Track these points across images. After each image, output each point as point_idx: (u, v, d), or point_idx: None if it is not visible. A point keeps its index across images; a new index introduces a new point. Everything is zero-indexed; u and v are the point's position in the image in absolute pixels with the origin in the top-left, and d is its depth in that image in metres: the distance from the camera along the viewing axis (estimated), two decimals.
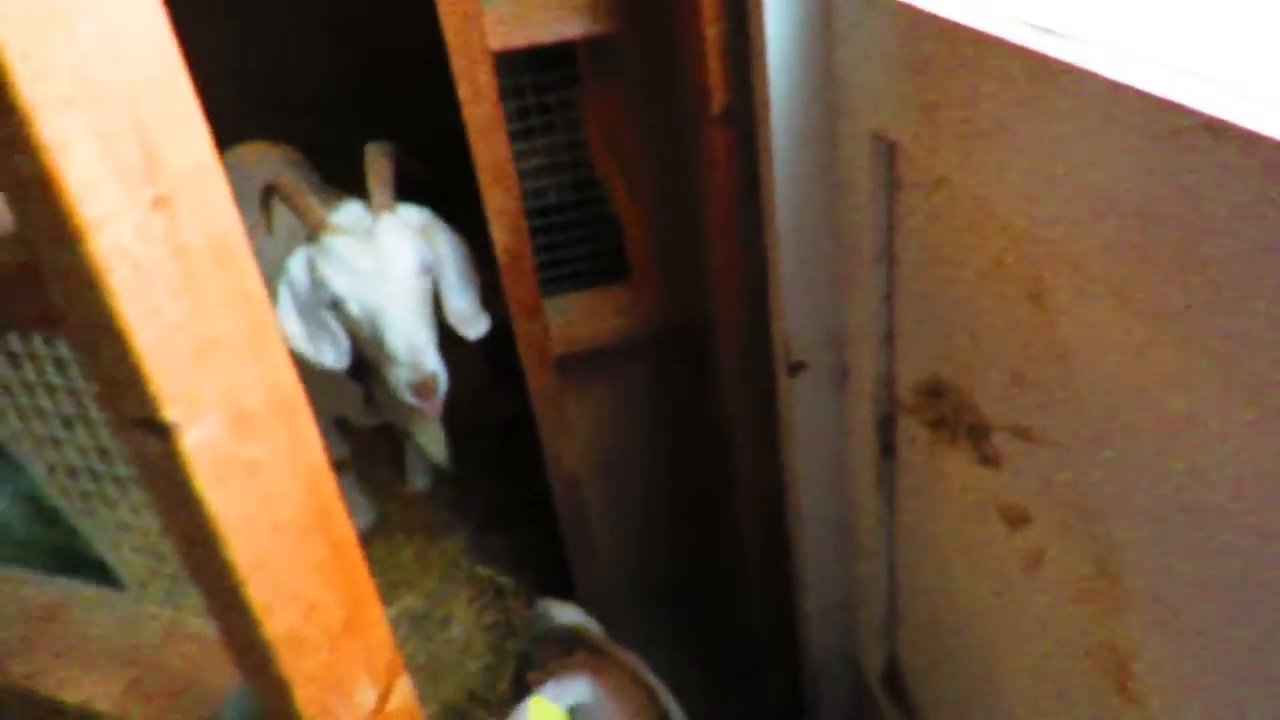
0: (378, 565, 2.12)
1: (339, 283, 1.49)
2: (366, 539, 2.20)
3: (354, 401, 1.88)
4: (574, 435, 1.63)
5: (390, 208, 1.54)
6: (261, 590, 0.52)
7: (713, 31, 1.10)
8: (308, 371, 1.85)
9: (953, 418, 0.94)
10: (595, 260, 1.69)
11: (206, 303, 0.48)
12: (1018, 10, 0.71)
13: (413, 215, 1.58)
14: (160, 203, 0.45)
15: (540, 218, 1.62)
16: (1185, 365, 0.57)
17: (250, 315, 0.51)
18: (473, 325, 1.62)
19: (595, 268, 1.69)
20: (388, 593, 2.04)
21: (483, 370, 2.64)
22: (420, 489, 2.33)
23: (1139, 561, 0.68)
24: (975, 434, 0.90)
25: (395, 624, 1.98)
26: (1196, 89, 0.52)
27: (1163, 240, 0.56)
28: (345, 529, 0.60)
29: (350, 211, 1.55)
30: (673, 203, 1.48)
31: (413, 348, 1.48)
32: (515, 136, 1.53)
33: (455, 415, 2.52)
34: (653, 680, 1.24)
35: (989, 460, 0.88)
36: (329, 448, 1.91)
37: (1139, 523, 0.67)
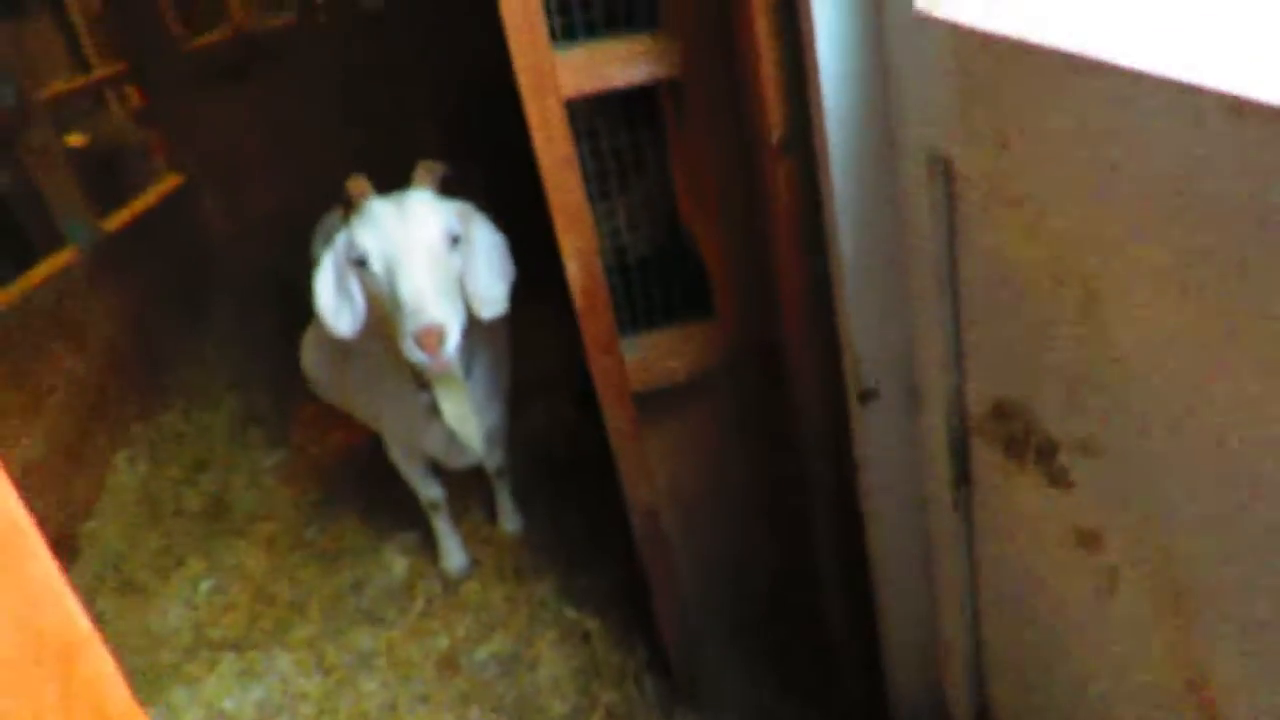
0: (470, 607, 2.16)
1: (366, 239, 1.59)
2: (460, 581, 2.24)
3: (441, 442, 1.94)
4: (653, 471, 1.64)
5: (426, 186, 1.65)
6: None
7: (770, 67, 1.12)
8: (400, 415, 1.95)
9: (1022, 438, 0.91)
10: (678, 298, 1.71)
11: None
12: (1058, 20, 0.70)
13: (452, 202, 1.68)
14: None
15: (620, 258, 1.66)
16: (1252, 360, 0.55)
17: None
18: (490, 306, 1.68)
19: (677, 305, 1.71)
20: (479, 634, 2.08)
21: (570, 410, 2.69)
22: (511, 531, 2.37)
23: (1210, 575, 0.64)
24: (1044, 454, 0.86)
25: (484, 665, 2.00)
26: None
27: (1227, 231, 0.54)
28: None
29: (396, 192, 1.67)
30: (748, 236, 1.49)
31: (419, 294, 1.53)
32: (596, 177, 1.59)
33: (546, 455, 2.59)
34: None
35: (1058, 480, 0.85)
36: (423, 490, 1.97)
37: (1208, 534, 0.63)
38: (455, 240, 1.65)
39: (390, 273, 1.58)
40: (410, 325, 1.53)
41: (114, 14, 3.84)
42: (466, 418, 1.82)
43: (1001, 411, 0.94)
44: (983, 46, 0.77)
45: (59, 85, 3.43)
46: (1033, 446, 0.88)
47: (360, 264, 1.61)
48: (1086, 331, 0.73)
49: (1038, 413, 0.86)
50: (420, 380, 1.86)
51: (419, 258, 1.58)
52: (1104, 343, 0.71)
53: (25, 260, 3.00)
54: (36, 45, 3.50)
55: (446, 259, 1.63)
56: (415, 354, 1.54)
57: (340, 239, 1.65)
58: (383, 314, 1.66)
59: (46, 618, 0.44)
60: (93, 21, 3.94)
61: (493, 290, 1.70)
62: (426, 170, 1.69)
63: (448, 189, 1.73)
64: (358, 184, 1.66)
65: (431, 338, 1.53)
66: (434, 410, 1.86)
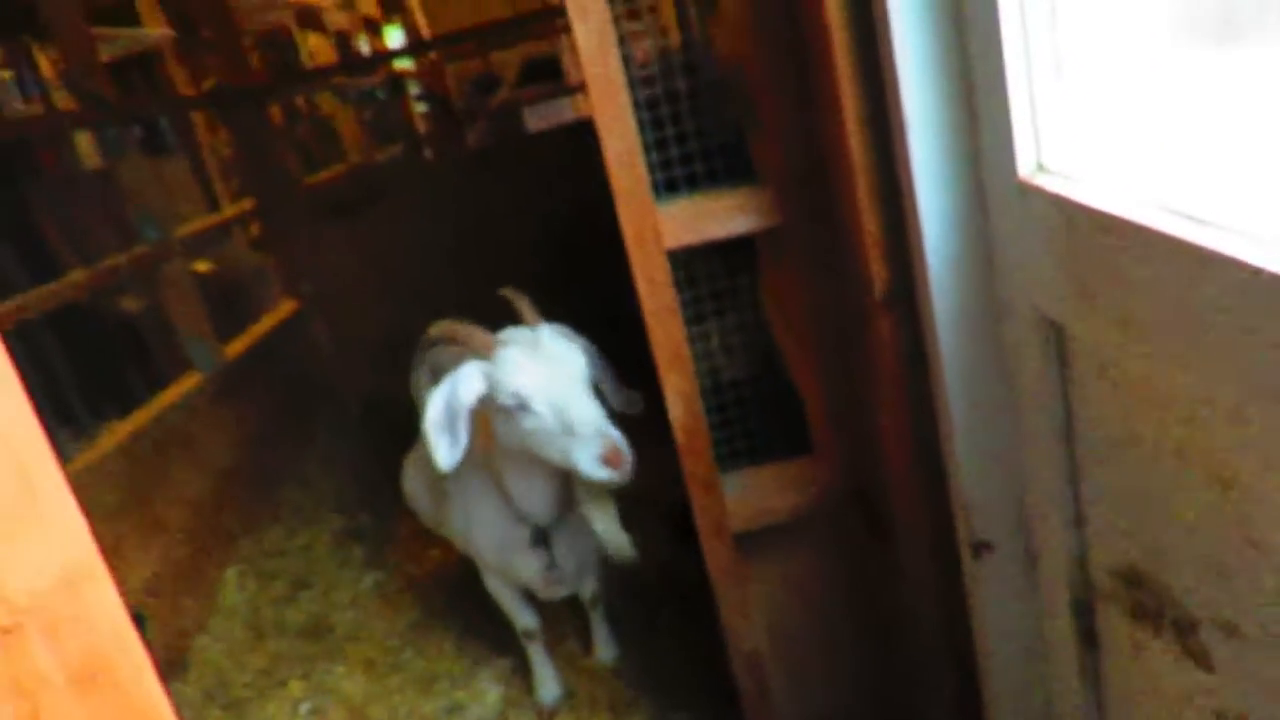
0: None
1: (523, 384, 1.65)
2: (553, 712, 2.22)
3: (537, 571, 1.96)
4: (754, 611, 1.62)
5: (537, 317, 1.78)
6: None
7: (871, 223, 1.15)
8: (499, 546, 1.98)
9: (1154, 609, 0.88)
10: (775, 434, 1.72)
11: None
12: (1166, 197, 0.71)
13: (559, 326, 1.79)
14: None
15: (717, 395, 1.68)
16: None
17: None
18: (633, 404, 1.83)
19: (774, 443, 1.71)
20: None
21: (666, 538, 2.68)
22: (607, 661, 2.34)
23: None
24: (1180, 628, 0.83)
25: None
26: None
27: None
28: None
29: (510, 332, 1.76)
30: (847, 381, 1.51)
31: (595, 420, 1.61)
32: (693, 318, 1.64)
33: (641, 584, 2.57)
34: None
35: (1199, 658, 0.81)
36: (519, 618, 2.00)
37: None
38: (590, 363, 1.76)
39: (560, 409, 1.64)
40: (595, 449, 1.60)
41: (242, 157, 4.19)
42: (618, 531, 1.90)
43: (1129, 579, 0.91)
44: (1093, 222, 0.79)
45: (194, 223, 3.74)
46: (1168, 619, 0.85)
47: (521, 408, 1.67)
48: (1218, 512, 0.71)
49: (1171, 585, 0.83)
50: (521, 513, 1.90)
51: (580, 389, 1.67)
52: (1239, 524, 0.69)
53: (153, 384, 3.22)
54: (175, 186, 3.83)
55: (591, 382, 1.73)
56: (600, 473, 1.61)
57: (463, 377, 1.70)
58: (552, 447, 1.70)
59: None
60: (224, 165, 4.31)
61: (623, 393, 1.83)
62: (523, 302, 1.80)
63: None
64: (481, 338, 1.72)
65: (617, 455, 1.60)
66: (535, 542, 1.90)
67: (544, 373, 1.66)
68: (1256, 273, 0.58)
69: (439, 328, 1.82)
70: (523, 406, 1.65)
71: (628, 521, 2.76)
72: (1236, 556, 0.71)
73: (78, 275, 2.94)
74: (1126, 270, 0.74)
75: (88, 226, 3.16)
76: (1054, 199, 0.85)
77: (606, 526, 1.88)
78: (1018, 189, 0.92)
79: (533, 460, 1.74)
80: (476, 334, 1.73)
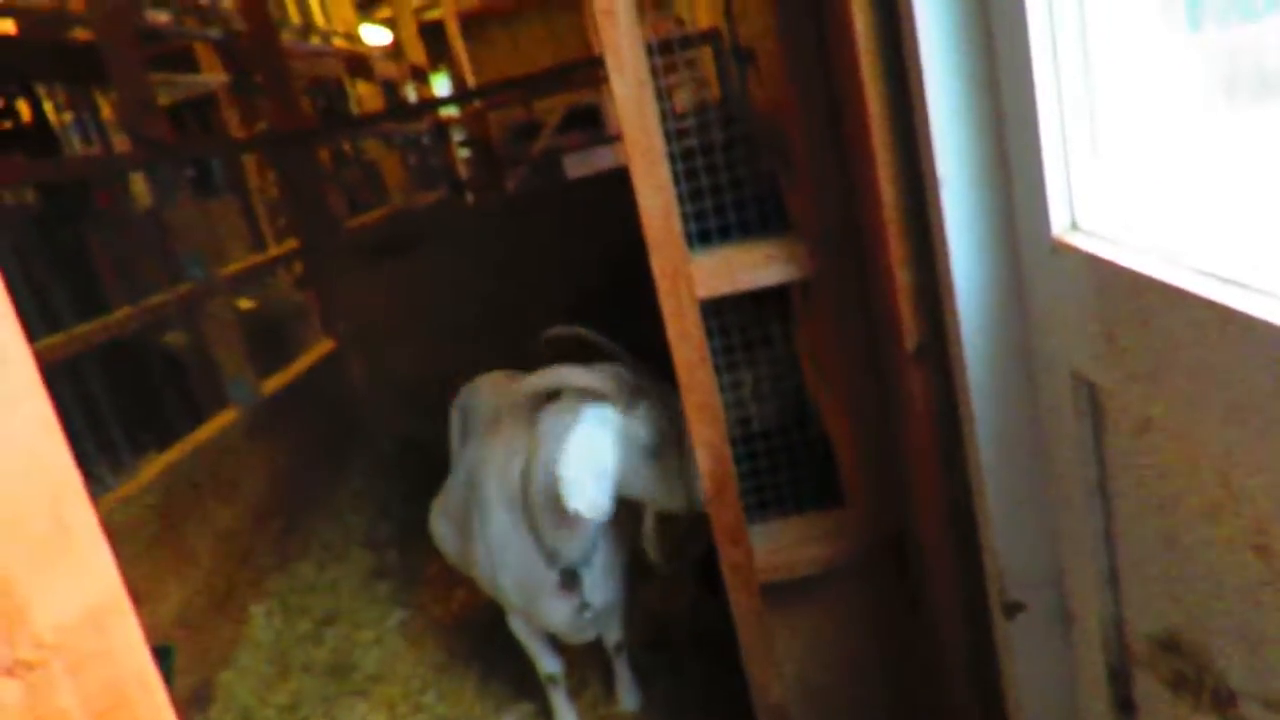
0: None
1: (642, 431, 1.69)
2: None
3: (566, 614, 1.95)
4: (781, 665, 1.59)
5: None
6: None
7: (904, 276, 1.15)
8: (525, 589, 1.97)
9: (1195, 678, 0.85)
10: (804, 486, 1.71)
11: None
12: (1202, 261, 0.71)
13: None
14: (19, 669, 0.38)
15: (747, 444, 1.68)
16: None
17: None
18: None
19: (803, 494, 1.70)
20: None
21: (692, 587, 2.65)
22: (630, 709, 2.31)
23: None
24: (1220, 699, 0.80)
25: None
26: None
27: None
28: None
29: (607, 369, 1.76)
30: (879, 432, 1.49)
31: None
32: (725, 366, 1.64)
33: (667, 632, 2.54)
34: None
35: None
36: (542, 663, 2.00)
37: None
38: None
39: (679, 444, 1.67)
40: (698, 498, 1.60)
41: (289, 199, 4.31)
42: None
43: (1167, 645, 0.88)
44: (1127, 283, 0.78)
45: (240, 263, 3.84)
46: (1208, 689, 0.82)
47: (651, 453, 1.71)
48: (1255, 582, 0.69)
49: (1210, 654, 0.80)
50: (551, 552, 1.90)
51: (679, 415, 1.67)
52: (1278, 593, 0.67)
53: (192, 419, 3.28)
54: (224, 226, 3.94)
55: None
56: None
57: (634, 423, 1.71)
58: (641, 493, 1.76)
59: None
60: (271, 206, 4.43)
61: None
62: (594, 336, 1.82)
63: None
64: (598, 383, 1.71)
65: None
66: (565, 583, 1.89)
67: (667, 420, 1.68)
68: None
69: (549, 372, 1.79)
70: (654, 451, 1.69)
71: (654, 574, 2.75)
72: (1276, 628, 0.69)
73: (125, 311, 3.02)
74: (1159, 330, 0.74)
75: (138, 264, 3.25)
76: (1088, 258, 0.85)
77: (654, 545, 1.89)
78: (1051, 248, 0.92)
79: None
80: (585, 376, 1.71)
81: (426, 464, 1.77)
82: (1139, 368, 0.79)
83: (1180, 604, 0.85)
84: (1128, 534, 0.93)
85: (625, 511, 2.07)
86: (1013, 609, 1.12)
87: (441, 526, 2.25)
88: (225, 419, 3.25)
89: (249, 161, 4.57)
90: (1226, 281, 0.66)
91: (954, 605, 1.28)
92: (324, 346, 4.09)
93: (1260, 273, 0.66)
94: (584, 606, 1.93)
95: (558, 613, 1.97)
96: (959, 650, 1.32)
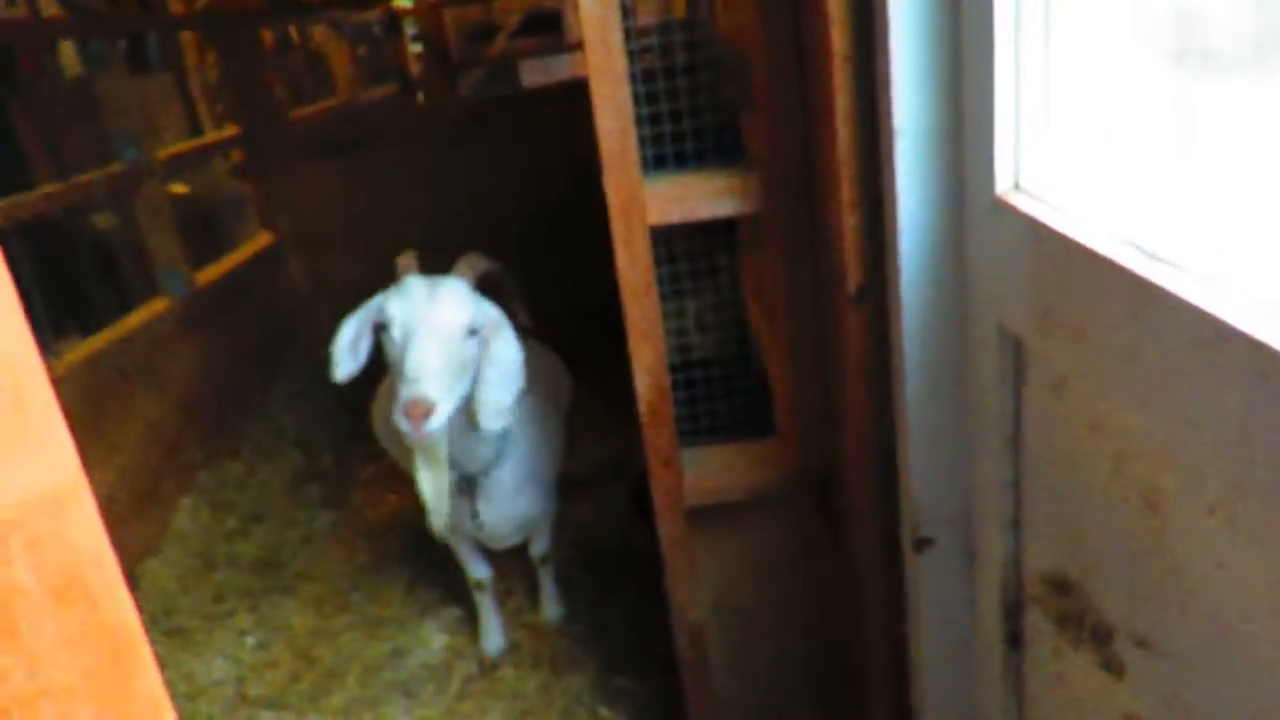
0: (505, 694, 2.17)
1: (393, 308, 1.70)
2: (496, 663, 2.26)
3: (464, 518, 2.02)
4: (702, 586, 1.66)
5: (465, 277, 1.77)
6: None
7: (851, 220, 1.18)
8: (435, 487, 2.01)
9: (1078, 616, 0.92)
10: (739, 415, 1.75)
11: (29, 647, 0.43)
12: (1132, 232, 0.75)
13: (488, 305, 1.78)
14: None
15: (686, 372, 1.71)
16: None
17: (100, 659, 0.45)
18: (492, 417, 1.77)
19: (737, 422, 1.75)
20: None
21: (623, 508, 2.72)
22: (552, 620, 2.38)
23: None
24: (1099, 637, 0.88)
25: None
26: None
27: (1258, 465, 0.57)
28: None
29: (437, 276, 1.78)
30: (815, 368, 1.54)
31: (422, 370, 1.62)
32: (670, 294, 1.65)
33: (595, 549, 2.61)
34: None
35: (1112, 667, 0.85)
36: (470, 569, 2.03)
37: None
38: (474, 333, 1.75)
39: (404, 343, 1.69)
40: (404, 395, 1.62)
41: (228, 82, 4.12)
42: (441, 496, 1.89)
43: (1058, 585, 0.95)
44: (1060, 248, 0.82)
45: (175, 146, 3.68)
46: (1088, 626, 0.89)
47: (382, 328, 1.73)
48: (1144, 532, 0.75)
49: (1095, 595, 0.87)
50: (452, 458, 1.93)
51: (432, 337, 1.68)
52: (1161, 546, 0.73)
53: (123, 305, 3.19)
54: (158, 107, 3.76)
55: (459, 347, 1.72)
56: (402, 423, 1.63)
57: (374, 301, 1.77)
58: (393, 381, 1.76)
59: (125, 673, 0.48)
60: (209, 89, 4.23)
61: (499, 400, 1.78)
62: (468, 265, 1.81)
63: (491, 286, 1.83)
64: (405, 259, 1.79)
65: (418, 410, 1.60)
66: (459, 489, 1.94)
67: (415, 309, 1.69)
68: (1196, 313, 0.61)
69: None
70: (384, 328, 1.71)
71: (589, 492, 2.81)
72: (1156, 577, 0.75)
73: (51, 188, 2.89)
74: (1084, 295, 0.78)
75: (66, 139, 3.10)
76: (1025, 219, 0.88)
77: (428, 489, 1.87)
78: (993, 205, 0.95)
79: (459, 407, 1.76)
80: (408, 262, 1.79)
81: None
82: (1062, 328, 0.83)
83: (1073, 549, 0.91)
84: (1033, 482, 0.99)
85: (541, 433, 2.10)
86: (922, 544, 1.18)
87: (381, 426, 2.25)
88: (156, 308, 3.16)
89: (186, 39, 4.34)
90: (1151, 257, 0.70)
91: (870, 538, 1.35)
92: (262, 240, 3.98)
93: (1186, 248, 0.69)
94: (475, 514, 1.98)
95: (464, 516, 2.02)
96: (871, 581, 1.39)
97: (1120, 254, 0.72)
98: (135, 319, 3.06)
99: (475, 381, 1.77)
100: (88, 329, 2.96)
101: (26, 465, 0.43)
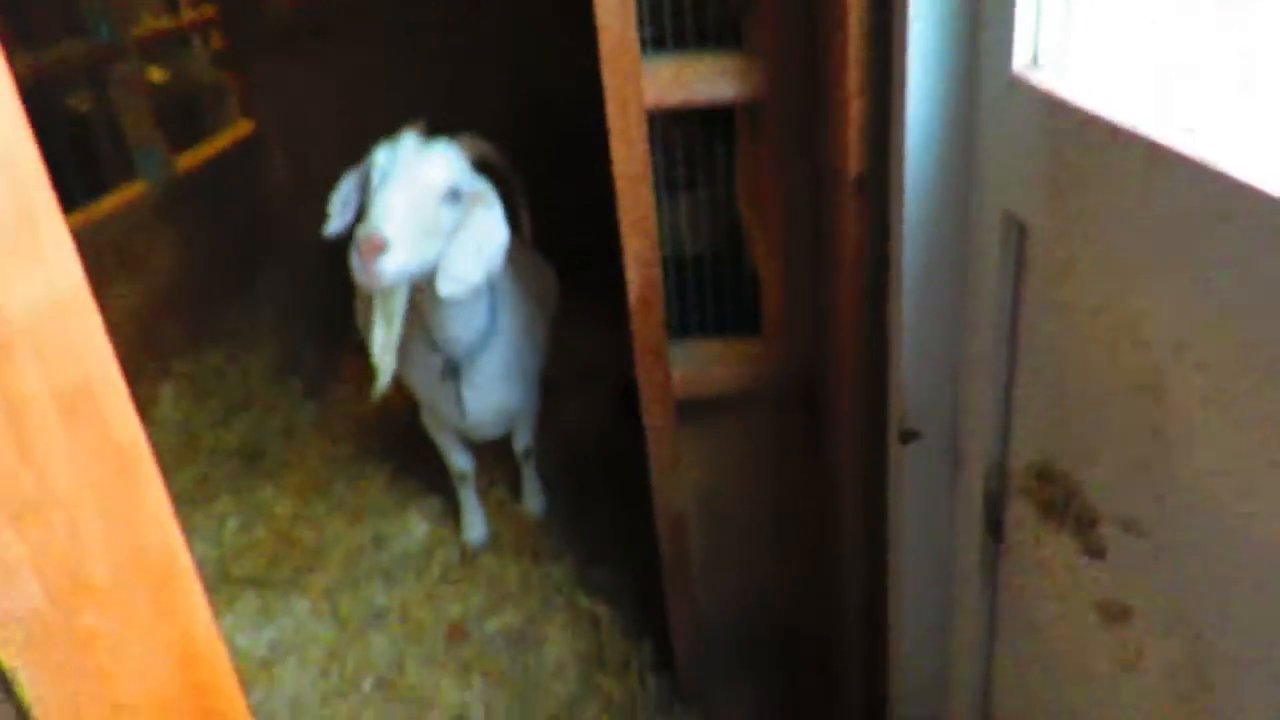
0: (485, 580, 2.21)
1: (381, 155, 1.68)
2: (478, 553, 2.30)
3: (456, 410, 2.00)
4: (684, 478, 1.67)
5: (468, 148, 1.75)
6: None
7: (857, 104, 1.14)
8: (421, 376, 2.00)
9: (1062, 503, 0.93)
10: (729, 312, 1.74)
11: (38, 456, 0.43)
12: (1153, 107, 0.72)
13: (480, 180, 1.76)
14: None
15: (677, 267, 1.69)
16: None
17: (108, 467, 0.46)
18: (450, 284, 1.71)
19: (727, 319, 1.73)
20: (490, 607, 2.13)
21: (608, 408, 2.73)
22: (533, 512, 2.41)
23: (1236, 673, 0.65)
24: (1083, 523, 0.88)
25: (492, 638, 2.05)
26: None
27: (1266, 344, 0.56)
28: (230, 698, 0.54)
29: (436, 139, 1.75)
30: (807, 262, 1.52)
31: (385, 208, 1.59)
32: (663, 186, 1.61)
33: (579, 448, 2.63)
34: None
35: (1094, 551, 0.86)
36: (452, 460, 2.04)
37: (1238, 633, 0.65)
38: (455, 199, 1.70)
39: (378, 187, 1.65)
40: (360, 232, 1.59)
41: None
42: (388, 348, 1.86)
43: (1044, 474, 0.96)
44: (1077, 121, 0.79)
45: (149, 24, 3.52)
46: (1072, 513, 0.90)
47: (366, 175, 1.70)
48: (1142, 416, 0.75)
49: (1082, 482, 0.88)
50: (437, 343, 1.92)
51: (407, 184, 1.64)
52: (1158, 430, 0.73)
53: (97, 187, 3.09)
54: None
55: (434, 205, 1.67)
56: (354, 261, 1.59)
57: (373, 153, 1.73)
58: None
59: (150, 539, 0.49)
60: None
61: (462, 271, 1.72)
62: (471, 142, 1.76)
63: (496, 181, 1.79)
64: (415, 124, 1.74)
65: (370, 245, 1.56)
66: (444, 375, 1.93)
67: (400, 158, 1.66)
68: (1216, 177, 0.59)
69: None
70: (367, 175, 1.69)
71: (574, 395, 2.80)
72: (1148, 458, 0.75)
73: (19, 61, 2.77)
74: (1099, 170, 0.75)
75: (34, 11, 2.95)
76: (1042, 95, 0.85)
77: (377, 344, 1.84)
78: (1009, 83, 0.91)
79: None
80: (415, 123, 1.76)
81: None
82: (1072, 208, 0.81)
83: (1063, 439, 0.91)
84: (1027, 373, 0.99)
85: (526, 325, 2.08)
86: (908, 435, 1.18)
87: (364, 316, 2.22)
88: (132, 192, 3.08)
89: None
90: (1172, 127, 0.68)
91: (854, 434, 1.35)
92: (242, 128, 3.86)
93: (1208, 125, 0.67)
94: (459, 399, 1.97)
95: (450, 406, 2.01)
96: (853, 476, 1.40)
97: (1139, 124, 0.69)
98: (111, 201, 2.98)
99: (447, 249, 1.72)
100: (62, 209, 2.88)
101: (33, 275, 0.43)
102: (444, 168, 1.68)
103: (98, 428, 0.46)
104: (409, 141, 1.70)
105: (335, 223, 1.77)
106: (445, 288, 1.72)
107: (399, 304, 1.79)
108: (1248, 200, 0.57)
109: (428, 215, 1.66)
